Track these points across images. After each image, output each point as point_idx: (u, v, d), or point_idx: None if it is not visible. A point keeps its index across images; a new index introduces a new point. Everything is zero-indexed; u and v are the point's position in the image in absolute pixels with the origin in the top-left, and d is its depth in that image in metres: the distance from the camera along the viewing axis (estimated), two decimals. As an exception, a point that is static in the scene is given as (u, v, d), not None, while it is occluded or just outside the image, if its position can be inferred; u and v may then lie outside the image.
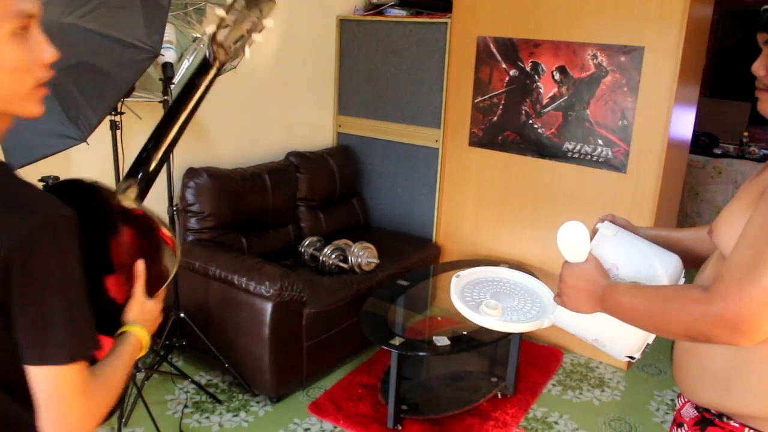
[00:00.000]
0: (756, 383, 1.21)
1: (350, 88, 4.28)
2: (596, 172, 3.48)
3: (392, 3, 4.07)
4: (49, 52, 0.97)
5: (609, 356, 3.53)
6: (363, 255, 3.56)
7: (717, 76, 6.53)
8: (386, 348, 2.83)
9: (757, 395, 1.21)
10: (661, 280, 1.28)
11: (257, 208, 3.61)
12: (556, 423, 3.03)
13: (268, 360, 2.93)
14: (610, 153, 3.42)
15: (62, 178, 0.99)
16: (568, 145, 3.55)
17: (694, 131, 4.02)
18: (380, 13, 4.09)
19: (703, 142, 5.38)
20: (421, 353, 3.06)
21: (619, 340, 1.38)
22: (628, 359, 1.39)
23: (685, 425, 1.34)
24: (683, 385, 1.34)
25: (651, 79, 3.24)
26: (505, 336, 3.08)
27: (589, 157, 3.49)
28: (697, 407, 1.33)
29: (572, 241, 1.39)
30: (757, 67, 1.22)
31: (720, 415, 1.27)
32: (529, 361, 3.49)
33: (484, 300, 2.41)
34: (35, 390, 0.97)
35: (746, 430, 1.22)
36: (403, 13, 4.02)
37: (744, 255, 1.10)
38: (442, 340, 2.88)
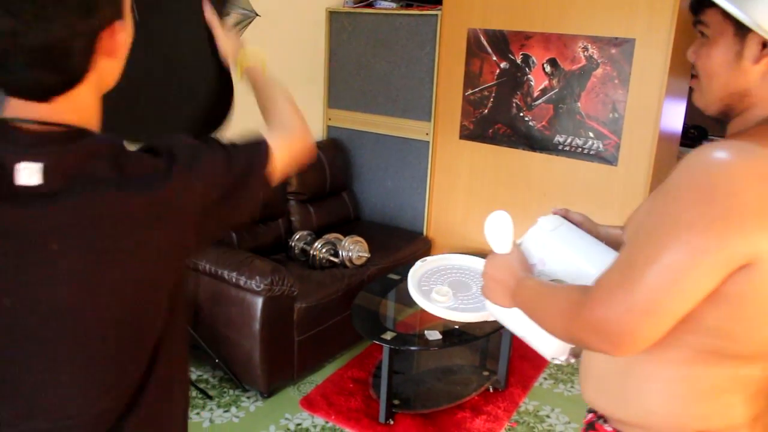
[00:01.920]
0: (626, 387, 1.17)
1: (340, 80, 4.25)
2: (587, 164, 3.48)
3: (382, -5, 4.04)
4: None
5: (600, 349, 3.54)
6: (354, 249, 3.54)
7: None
8: (378, 342, 2.81)
9: (624, 399, 1.17)
10: (589, 280, 1.15)
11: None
12: (548, 416, 3.03)
13: (258, 355, 2.91)
14: (601, 146, 3.42)
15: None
16: (559, 138, 3.54)
17: (684, 124, 4.02)
18: (370, 5, 4.06)
19: (692, 135, 5.38)
20: (412, 347, 3.05)
21: (542, 339, 1.31)
22: (555, 361, 1.33)
23: (584, 425, 1.33)
24: (581, 381, 1.31)
25: (642, 72, 3.23)
26: (497, 330, 3.08)
27: (580, 149, 3.48)
28: (589, 409, 1.30)
29: (497, 231, 1.36)
30: (689, 53, 1.16)
31: (600, 418, 1.25)
32: (520, 354, 3.48)
33: (435, 287, 2.36)
34: None
35: None
36: (393, 5, 3.99)
37: (620, 260, 1.04)
38: (433, 334, 2.87)
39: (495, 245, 1.36)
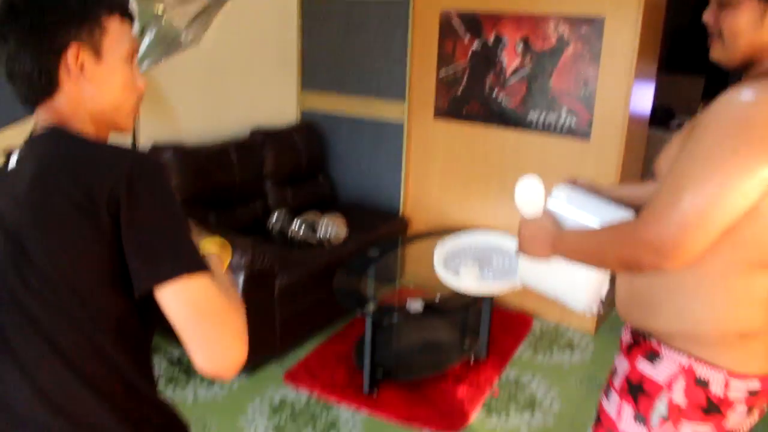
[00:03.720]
0: (671, 303, 1.30)
1: (314, 63, 4.27)
2: (561, 140, 3.55)
3: (355, -22, 4.06)
4: (142, 81, 1.18)
5: (577, 320, 3.62)
6: (332, 228, 3.56)
7: (671, 51, 6.68)
8: (360, 315, 2.84)
9: (670, 313, 1.30)
10: None
11: (224, 184, 3.58)
12: (529, 383, 3.09)
13: (241, 331, 2.91)
14: (573, 122, 3.49)
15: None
16: (532, 115, 3.61)
17: (653, 105, 4.12)
18: (343, -12, 4.08)
19: (660, 116, 5.51)
20: (394, 319, 3.08)
21: (575, 291, 1.47)
22: (587, 312, 1.48)
23: (622, 352, 1.44)
24: (618, 306, 1.44)
25: (612, 49, 3.31)
26: (476, 302, 3.13)
27: (553, 126, 3.55)
28: (631, 330, 1.43)
29: (528, 197, 1.51)
30: (707, 16, 1.31)
31: (644, 335, 1.37)
32: (500, 327, 3.54)
33: (463, 264, 2.47)
34: (174, 319, 0.96)
35: (662, 347, 1.32)
36: (366, -13, 4.02)
37: (668, 183, 1.17)
38: (415, 306, 2.91)
39: (526, 210, 1.51)
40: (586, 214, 1.44)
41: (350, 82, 4.16)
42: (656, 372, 1.31)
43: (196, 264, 0.97)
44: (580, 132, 3.47)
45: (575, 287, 1.46)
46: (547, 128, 3.57)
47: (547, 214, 1.48)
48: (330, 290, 3.09)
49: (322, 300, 3.31)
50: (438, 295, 2.98)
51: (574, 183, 1.61)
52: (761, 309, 1.25)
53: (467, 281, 2.37)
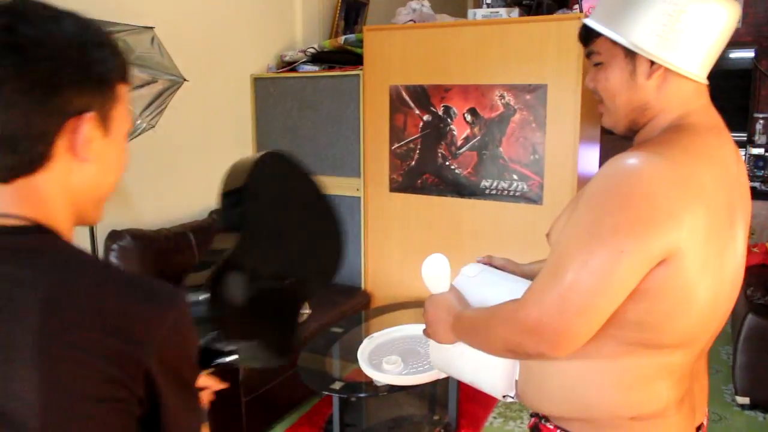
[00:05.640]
0: (561, 387, 1.24)
1: (268, 144, 4.31)
2: (514, 206, 3.61)
3: (304, 60, 4.16)
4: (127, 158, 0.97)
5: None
6: (294, 307, 3.52)
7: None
8: (328, 393, 2.79)
9: (562, 397, 1.25)
10: None
11: (183, 267, 3.54)
12: (501, 453, 3.05)
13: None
14: (525, 186, 3.57)
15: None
16: (485, 183, 3.68)
17: (600, 166, 4.24)
18: (293, 70, 4.17)
19: (608, 177, 5.67)
20: (362, 395, 3.03)
21: (487, 377, 1.39)
22: (507, 398, 1.40)
23: (528, 429, 1.39)
24: (518, 389, 1.37)
25: (556, 114, 3.43)
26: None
27: (506, 192, 3.63)
28: (531, 413, 1.37)
29: (434, 273, 1.45)
30: (587, 81, 1.27)
31: (543, 418, 1.32)
32: (468, 397, 3.50)
33: (385, 357, 2.53)
34: None
35: (559, 431, 1.27)
36: (316, 68, 4.12)
37: (549, 263, 1.12)
38: (382, 380, 2.87)
39: (432, 287, 1.45)
40: (493, 291, 1.37)
41: (306, 161, 4.16)
42: None
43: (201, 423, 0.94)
44: (532, 196, 3.55)
45: (488, 372, 1.38)
46: (500, 195, 3.64)
47: (453, 290, 1.42)
48: (296, 371, 3.03)
49: (288, 380, 3.25)
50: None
51: (489, 261, 1.56)
52: (657, 390, 1.18)
53: (389, 376, 2.42)
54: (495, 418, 3.37)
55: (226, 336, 1.16)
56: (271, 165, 1.47)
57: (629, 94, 1.19)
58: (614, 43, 1.17)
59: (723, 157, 1.16)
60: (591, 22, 1.20)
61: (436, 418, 3.26)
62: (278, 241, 1.43)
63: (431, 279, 1.45)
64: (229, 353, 1.16)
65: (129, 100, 0.92)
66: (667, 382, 1.19)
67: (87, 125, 0.83)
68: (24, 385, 0.74)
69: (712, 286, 1.12)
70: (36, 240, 0.81)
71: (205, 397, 1.15)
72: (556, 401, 1.25)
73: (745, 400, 3.41)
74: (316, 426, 3.26)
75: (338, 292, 4.04)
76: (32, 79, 0.78)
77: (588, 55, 1.24)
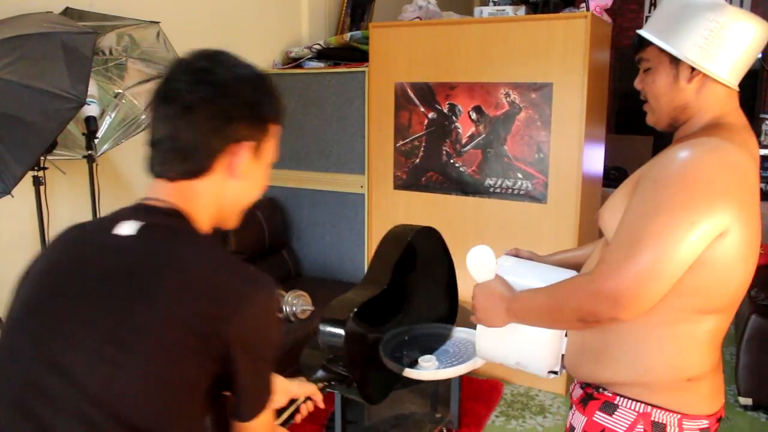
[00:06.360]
0: (623, 354, 1.36)
1: (273, 140, 4.31)
2: (518, 204, 3.61)
3: (310, 56, 4.16)
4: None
5: (547, 384, 3.60)
6: (297, 303, 3.53)
7: (619, 114, 6.93)
8: (330, 390, 2.79)
9: (623, 364, 1.36)
10: None
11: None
12: (503, 452, 3.05)
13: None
14: (529, 185, 3.56)
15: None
16: (489, 181, 3.68)
17: (605, 165, 4.24)
18: (299, 66, 4.17)
19: (613, 176, 5.66)
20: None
21: (536, 355, 1.51)
22: (551, 375, 1.52)
23: (573, 406, 1.49)
24: (568, 363, 1.49)
25: (562, 114, 3.42)
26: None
27: (511, 190, 3.62)
28: (581, 385, 1.48)
29: (480, 263, 1.58)
30: (636, 83, 1.47)
31: (597, 387, 1.42)
32: (470, 395, 3.51)
33: (419, 357, 2.54)
34: None
35: (617, 398, 1.38)
36: (321, 65, 4.12)
37: (622, 238, 1.25)
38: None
39: (479, 275, 1.57)
40: (533, 277, 1.51)
41: (310, 158, 4.20)
42: (615, 422, 1.36)
43: (269, 401, 1.15)
44: (537, 195, 3.54)
45: (537, 349, 1.50)
46: (504, 193, 3.64)
47: (499, 278, 1.54)
48: (298, 368, 3.03)
49: (289, 377, 3.24)
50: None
51: (517, 254, 1.71)
52: (705, 353, 1.35)
53: (429, 373, 2.43)
54: (497, 416, 3.37)
55: (349, 365, 1.45)
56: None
57: (672, 95, 1.38)
58: (661, 51, 1.37)
59: (755, 153, 1.35)
60: (645, 33, 1.40)
61: (438, 416, 3.26)
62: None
63: (477, 268, 1.57)
64: (343, 378, 1.26)
65: (278, 137, 1.22)
66: (711, 346, 1.36)
67: (244, 151, 1.11)
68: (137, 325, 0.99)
69: (750, 258, 1.31)
70: (173, 221, 1.07)
71: (304, 409, 1.40)
72: (617, 368, 1.37)
73: (748, 401, 3.40)
74: (318, 423, 3.26)
75: (341, 289, 4.03)
76: (217, 110, 1.06)
77: (638, 61, 1.44)
